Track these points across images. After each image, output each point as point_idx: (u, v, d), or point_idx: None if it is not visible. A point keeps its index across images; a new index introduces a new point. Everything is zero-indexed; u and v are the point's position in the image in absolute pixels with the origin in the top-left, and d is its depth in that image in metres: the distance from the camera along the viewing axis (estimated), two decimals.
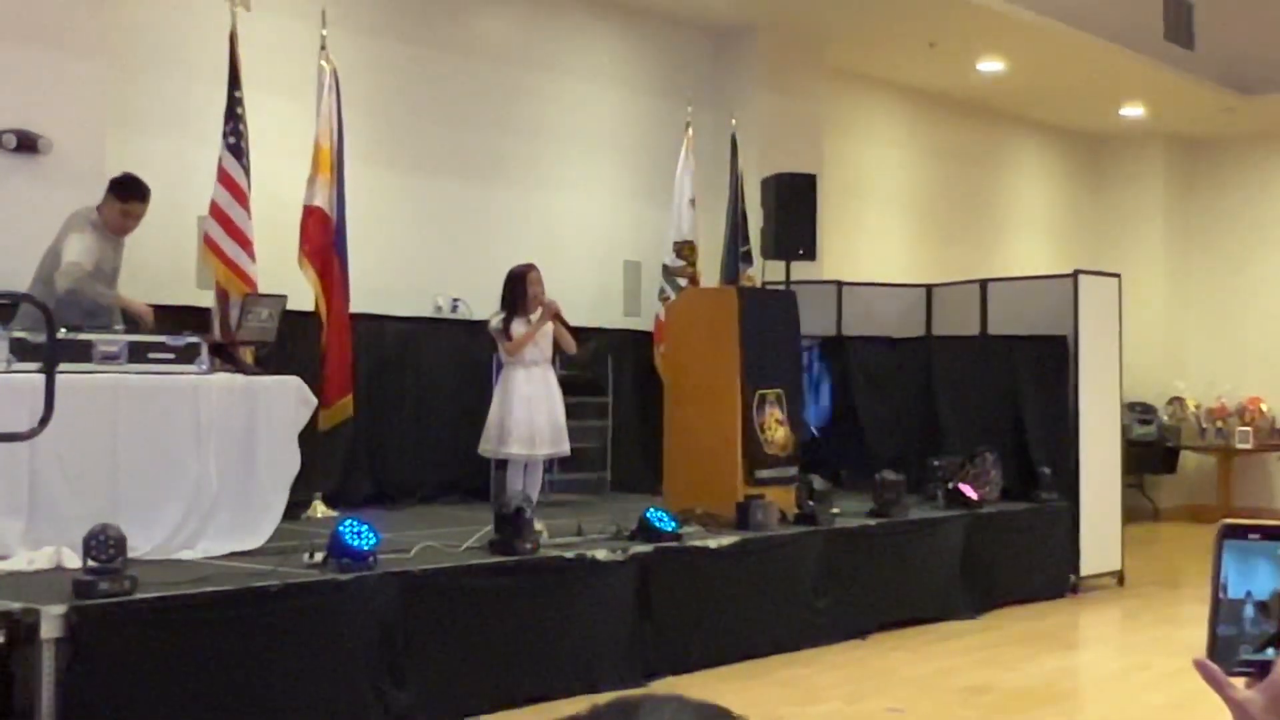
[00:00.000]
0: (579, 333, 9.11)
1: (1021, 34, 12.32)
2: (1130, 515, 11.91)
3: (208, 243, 8.18)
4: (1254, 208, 16.58)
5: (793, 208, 10.51)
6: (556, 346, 8.89)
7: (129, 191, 7.38)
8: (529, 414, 8.63)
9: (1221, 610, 1.55)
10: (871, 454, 10.99)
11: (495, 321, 8.76)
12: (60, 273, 7.09)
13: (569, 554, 7.05)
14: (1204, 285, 16.74)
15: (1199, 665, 1.54)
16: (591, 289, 11.11)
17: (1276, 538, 1.54)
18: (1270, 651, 1.54)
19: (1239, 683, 1.54)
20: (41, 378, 5.43)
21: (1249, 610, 1.54)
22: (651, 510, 7.73)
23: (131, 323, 7.23)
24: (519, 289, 8.74)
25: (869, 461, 10.56)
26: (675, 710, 1.01)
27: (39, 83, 7.89)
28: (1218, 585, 1.55)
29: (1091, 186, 16.87)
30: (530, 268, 8.81)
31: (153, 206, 7.50)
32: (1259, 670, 1.54)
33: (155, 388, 6.62)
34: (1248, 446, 15.64)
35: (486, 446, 8.79)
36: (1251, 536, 1.55)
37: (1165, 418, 16.10)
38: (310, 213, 8.63)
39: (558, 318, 8.78)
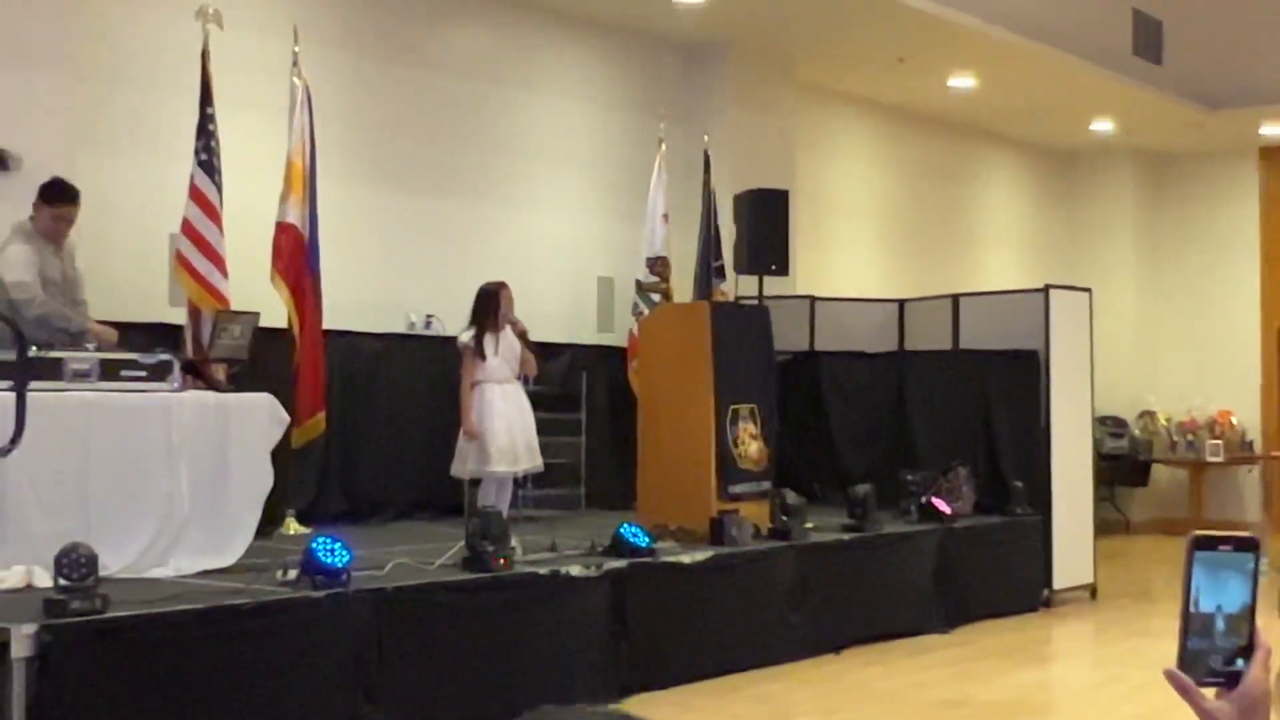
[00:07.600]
0: (552, 348, 9.10)
1: (992, 50, 12.38)
2: (1102, 528, 11.94)
3: (180, 260, 8.15)
4: (1222, 221, 16.71)
5: (765, 223, 10.53)
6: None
7: (56, 195, 7.32)
8: (509, 431, 8.62)
9: (1192, 623, 1.56)
10: (845, 468, 11.01)
11: (466, 337, 8.71)
12: (19, 300, 6.99)
13: (543, 570, 7.02)
14: (1174, 299, 16.83)
15: (1169, 676, 1.55)
16: (565, 305, 11.11)
17: (1246, 549, 1.55)
18: (1240, 663, 1.55)
19: (1209, 693, 1.55)
20: (12, 396, 5.40)
21: (1219, 623, 1.55)
22: (625, 526, 7.71)
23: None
24: (490, 305, 8.72)
25: (842, 476, 10.57)
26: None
27: (8, 99, 7.85)
28: (1188, 598, 1.56)
29: (1062, 201, 16.95)
30: (502, 285, 8.79)
31: (125, 224, 7.44)
32: (1229, 682, 1.55)
33: (127, 406, 6.57)
34: (1218, 460, 15.71)
35: (465, 466, 8.70)
36: (1222, 548, 1.55)
37: (1136, 431, 16.17)
38: (283, 229, 8.61)
39: (524, 338, 8.78)
